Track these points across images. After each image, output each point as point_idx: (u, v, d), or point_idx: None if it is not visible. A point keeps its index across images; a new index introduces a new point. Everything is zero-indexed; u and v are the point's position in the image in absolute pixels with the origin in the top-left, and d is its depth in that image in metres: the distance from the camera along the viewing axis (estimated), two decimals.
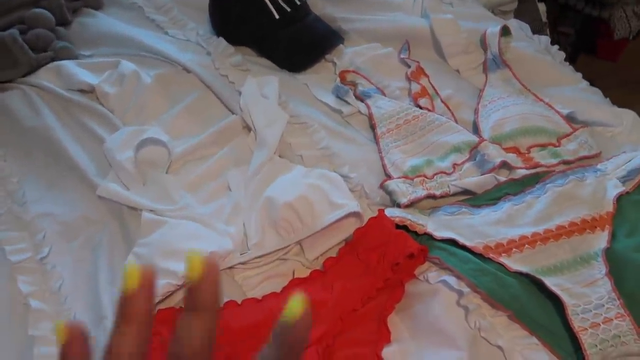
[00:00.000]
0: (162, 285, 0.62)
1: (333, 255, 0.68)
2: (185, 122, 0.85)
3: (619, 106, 0.85)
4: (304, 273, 0.67)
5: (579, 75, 0.91)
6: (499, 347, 0.58)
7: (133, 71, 0.88)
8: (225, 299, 0.64)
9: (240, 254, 0.68)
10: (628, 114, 0.81)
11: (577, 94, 0.86)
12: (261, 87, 0.86)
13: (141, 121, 0.85)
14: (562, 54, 0.92)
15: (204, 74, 0.89)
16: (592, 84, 0.90)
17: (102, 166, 0.80)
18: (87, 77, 0.90)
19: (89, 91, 0.90)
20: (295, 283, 0.66)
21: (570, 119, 0.80)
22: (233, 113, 0.85)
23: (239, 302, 0.64)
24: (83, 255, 0.71)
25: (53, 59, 0.94)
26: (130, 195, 0.74)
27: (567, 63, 0.92)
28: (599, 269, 0.60)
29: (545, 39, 0.94)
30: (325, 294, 0.63)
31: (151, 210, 0.72)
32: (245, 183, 0.75)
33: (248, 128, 0.83)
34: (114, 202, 0.75)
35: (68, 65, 0.92)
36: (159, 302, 0.63)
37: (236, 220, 0.71)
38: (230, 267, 0.68)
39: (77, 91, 0.90)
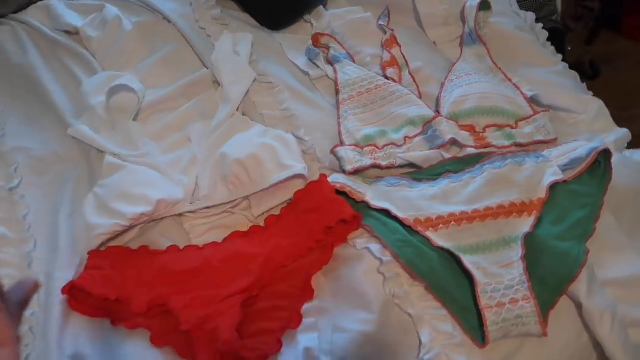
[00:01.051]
0: (111, 224, 0.67)
1: (277, 213, 0.72)
2: (160, 72, 0.88)
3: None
4: (246, 227, 0.71)
5: (559, 57, 0.89)
6: (409, 315, 0.61)
7: (115, 16, 0.91)
8: (170, 243, 0.69)
9: (190, 203, 0.73)
10: (595, 102, 0.80)
11: (550, 76, 0.85)
12: (235, 43, 0.87)
13: (119, 67, 0.88)
14: (545, 34, 0.90)
15: (183, 26, 0.91)
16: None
17: (79, 108, 0.84)
18: (73, 19, 0.93)
19: (74, 33, 0.93)
20: (236, 236, 0.70)
21: (534, 102, 0.80)
22: (206, 67, 0.88)
23: (181, 248, 0.69)
24: (51, 190, 0.76)
25: None
26: (97, 138, 0.79)
27: (550, 43, 0.91)
28: (517, 251, 0.62)
29: (530, 16, 0.92)
30: (260, 248, 0.68)
31: (115, 154, 0.77)
32: (205, 137, 0.79)
33: (218, 83, 0.86)
34: (85, 143, 0.80)
35: (57, 5, 0.95)
36: (109, 240, 0.69)
37: (191, 171, 0.75)
38: (180, 215, 0.72)
39: (63, 32, 0.93)
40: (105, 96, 0.81)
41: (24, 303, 0.42)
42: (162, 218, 0.72)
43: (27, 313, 0.63)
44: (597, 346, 0.61)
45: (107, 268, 0.66)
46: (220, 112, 0.80)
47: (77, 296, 0.64)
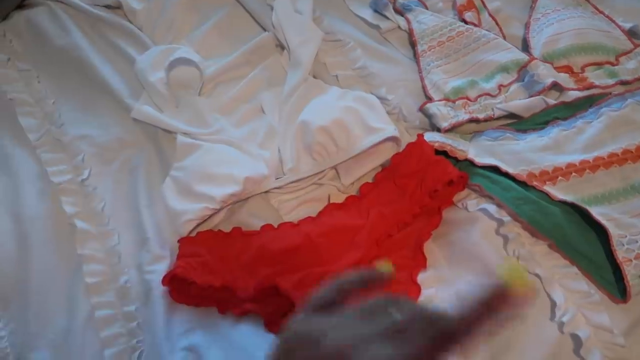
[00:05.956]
0: (200, 209, 0.63)
1: (368, 180, 0.67)
2: (215, 40, 0.82)
3: None
4: (339, 198, 0.66)
5: None
6: (537, 276, 0.57)
7: None
8: (261, 223, 0.65)
9: (276, 179, 0.68)
10: None
11: None
12: (295, 1, 0.80)
13: (170, 39, 0.82)
14: None
15: None
16: None
17: (134, 87, 0.78)
18: None
19: (115, 7, 0.87)
20: (332, 208, 0.65)
21: (632, 33, 0.73)
22: (265, 30, 0.81)
23: (275, 226, 0.65)
24: (121, 177, 0.72)
25: None
26: (164, 118, 0.73)
27: None
28: None
29: None
30: (361, 219, 0.63)
31: (185, 134, 0.72)
32: (279, 106, 0.73)
33: (281, 46, 0.79)
34: (149, 125, 0.75)
35: None
36: (198, 224, 0.64)
37: (271, 144, 0.70)
38: (266, 192, 0.68)
39: (103, 7, 0.87)
40: (164, 72, 0.75)
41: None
42: (248, 197, 0.68)
43: (131, 307, 0.60)
44: None
45: (204, 254, 0.62)
46: (291, 77, 0.74)
47: (177, 287, 0.61)
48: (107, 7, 0.87)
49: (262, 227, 0.64)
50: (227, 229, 0.65)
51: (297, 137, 0.69)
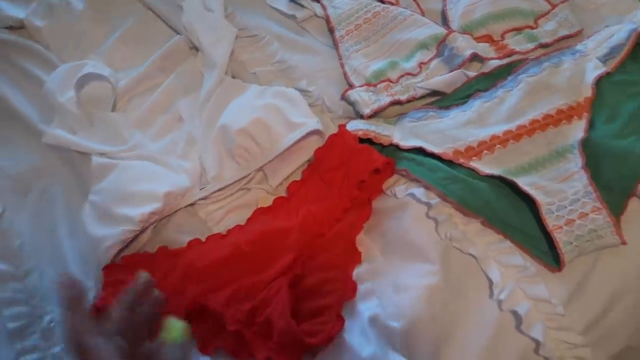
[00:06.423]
0: (120, 233, 0.59)
1: (298, 179, 0.65)
2: (127, 50, 0.78)
3: None
4: (269, 201, 0.64)
5: None
6: (472, 256, 0.56)
7: None
8: (190, 237, 0.62)
9: (200, 189, 0.65)
10: None
11: None
12: None
13: (80, 55, 0.77)
14: None
15: None
16: None
17: (46, 111, 0.74)
18: (12, 10, 0.81)
19: (18, 27, 0.81)
20: (259, 213, 0.63)
21: None
22: (178, 34, 0.77)
23: (203, 240, 0.61)
24: (39, 209, 0.68)
25: None
26: (77, 139, 0.69)
27: None
28: (575, 162, 0.56)
29: None
30: (290, 221, 0.60)
31: (102, 154, 0.68)
32: (198, 111, 0.70)
33: (196, 49, 0.75)
34: (64, 149, 0.70)
35: None
36: (122, 249, 0.61)
37: (191, 153, 0.67)
38: (192, 204, 0.65)
39: (4, 29, 0.81)
40: (73, 90, 0.71)
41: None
42: (173, 212, 0.64)
43: (55, 349, 0.57)
44: None
45: (129, 279, 0.59)
46: (208, 80, 0.71)
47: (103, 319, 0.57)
48: (9, 28, 0.81)
49: (188, 242, 0.61)
50: (154, 248, 0.62)
51: (217, 142, 0.66)
